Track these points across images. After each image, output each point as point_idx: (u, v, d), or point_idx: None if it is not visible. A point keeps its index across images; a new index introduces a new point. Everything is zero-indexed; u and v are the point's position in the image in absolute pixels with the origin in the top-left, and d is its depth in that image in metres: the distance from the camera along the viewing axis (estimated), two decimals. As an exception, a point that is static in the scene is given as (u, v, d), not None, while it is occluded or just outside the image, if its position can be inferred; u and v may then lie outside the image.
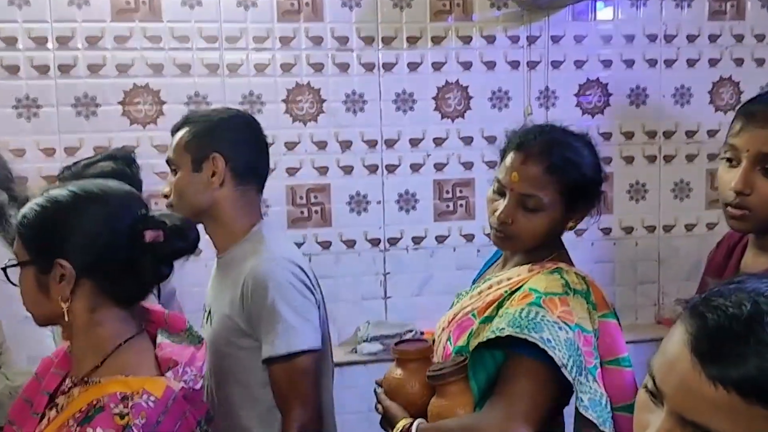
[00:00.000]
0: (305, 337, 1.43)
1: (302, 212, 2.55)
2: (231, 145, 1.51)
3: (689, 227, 2.79)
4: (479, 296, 1.32)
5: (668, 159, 2.76)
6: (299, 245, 2.53)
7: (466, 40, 2.58)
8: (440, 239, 2.63)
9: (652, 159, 2.75)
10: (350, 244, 2.58)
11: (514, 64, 2.62)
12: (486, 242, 2.61)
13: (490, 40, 2.59)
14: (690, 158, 2.77)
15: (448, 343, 1.30)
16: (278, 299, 1.41)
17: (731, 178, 1.20)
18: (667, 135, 2.76)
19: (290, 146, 2.52)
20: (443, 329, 1.35)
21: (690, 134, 2.76)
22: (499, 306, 1.24)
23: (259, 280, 1.42)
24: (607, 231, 2.74)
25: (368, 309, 2.59)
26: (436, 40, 2.57)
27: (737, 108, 1.27)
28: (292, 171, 2.53)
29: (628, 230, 2.77)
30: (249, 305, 1.44)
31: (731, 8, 2.74)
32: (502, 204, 1.28)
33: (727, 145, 1.23)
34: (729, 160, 1.22)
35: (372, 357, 2.42)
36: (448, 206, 2.63)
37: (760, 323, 0.59)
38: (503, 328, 1.15)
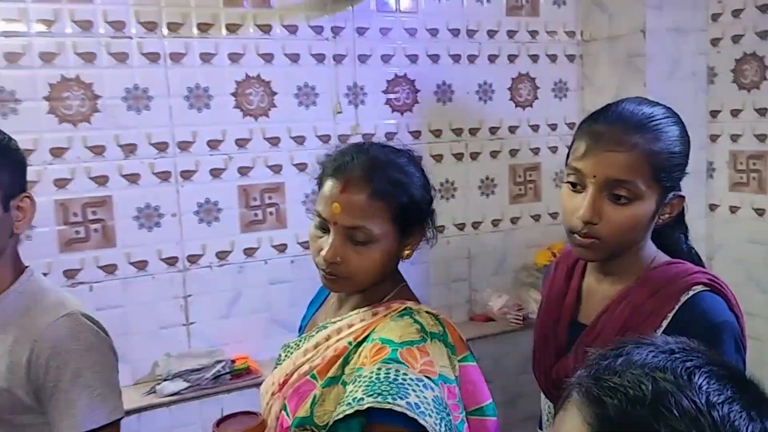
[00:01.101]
0: (114, 406, 1.16)
1: (77, 232, 2.11)
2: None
3: (495, 222, 2.82)
4: (316, 351, 1.09)
5: (474, 156, 2.75)
6: (75, 272, 2.10)
7: (266, 29, 2.31)
8: (249, 252, 2.35)
9: (459, 157, 2.72)
10: (141, 265, 2.20)
11: (320, 57, 2.41)
12: (300, 252, 2.39)
13: (292, 30, 2.35)
14: (494, 155, 2.79)
15: (285, 413, 1.06)
16: (82, 366, 1.14)
17: (577, 205, 1.09)
18: (473, 132, 2.74)
19: (58, 153, 2.07)
20: (273, 394, 1.11)
21: (493, 131, 2.78)
22: (345, 362, 1.03)
23: (56, 343, 1.13)
24: (421, 231, 2.67)
25: (168, 339, 2.24)
26: (232, 28, 2.26)
27: (579, 125, 1.18)
28: (60, 183, 2.07)
29: (440, 229, 2.71)
30: (39, 374, 1.13)
31: (527, 4, 2.79)
32: (327, 241, 1.08)
33: (570, 168, 1.13)
34: (573, 184, 1.12)
35: (175, 398, 2.08)
36: (256, 215, 2.36)
37: (665, 405, 0.54)
38: (362, 399, 0.94)
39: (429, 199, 1.19)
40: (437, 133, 2.67)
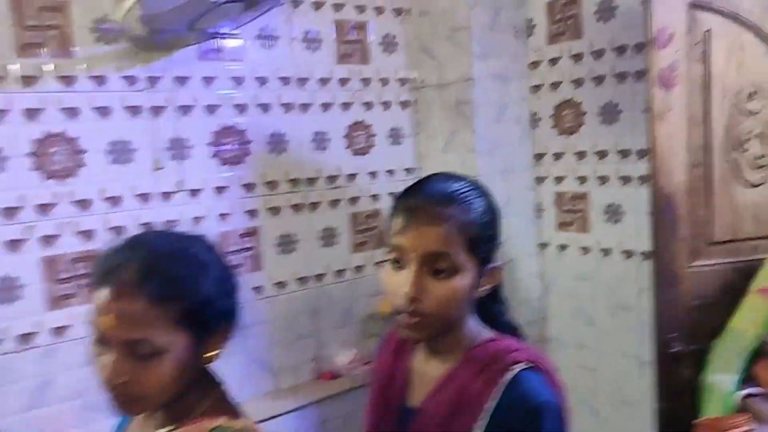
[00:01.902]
0: None
1: None
2: None
3: (339, 273, 2.74)
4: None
5: (313, 206, 2.66)
6: None
7: (69, 80, 2.07)
8: (59, 332, 2.07)
9: (297, 208, 2.61)
10: None
11: (134, 110, 2.20)
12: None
13: (100, 81, 2.13)
14: (334, 204, 2.71)
15: None
16: None
17: (400, 283, 1.05)
18: (311, 182, 2.65)
19: None
20: None
21: (332, 179, 2.71)
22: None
23: None
24: (259, 289, 2.52)
25: (-42, 444, 1.90)
26: (28, 81, 2.00)
27: (394, 202, 1.13)
28: None
29: (281, 285, 2.58)
30: None
31: (357, 51, 2.76)
32: (108, 360, 0.92)
33: (390, 246, 1.09)
34: (395, 261, 1.08)
35: None
36: (66, 289, 2.08)
37: None
38: None
39: (229, 290, 1.07)
40: (273, 185, 2.54)
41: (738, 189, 1.83)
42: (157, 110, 2.24)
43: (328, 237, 2.71)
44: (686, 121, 1.79)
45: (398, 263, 1.07)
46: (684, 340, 1.78)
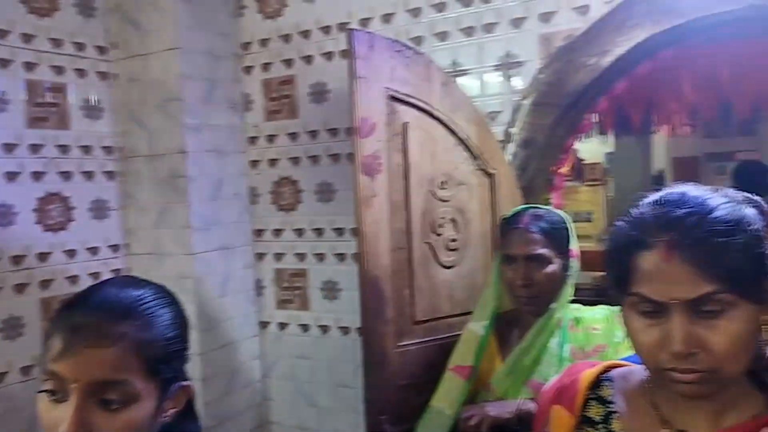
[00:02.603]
0: None
1: None
2: None
3: (26, 371, 2.32)
4: None
5: (-9, 293, 2.24)
6: None
7: None
8: None
9: (-28, 296, 2.18)
10: None
11: None
12: None
13: None
14: (19, 288, 2.32)
15: None
16: None
17: (59, 420, 0.85)
18: (-12, 264, 2.23)
19: None
20: None
21: (17, 260, 2.32)
22: None
23: None
24: None
25: None
26: None
27: (53, 318, 0.93)
28: None
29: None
30: None
31: (54, 115, 2.45)
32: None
33: (46, 373, 0.88)
34: (52, 392, 0.87)
35: None
36: None
37: None
38: None
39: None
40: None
41: (435, 270, 1.95)
42: None
43: (12, 328, 2.29)
44: (389, 206, 1.87)
45: (56, 394, 0.87)
46: (394, 420, 1.81)
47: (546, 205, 2.27)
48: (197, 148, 2.57)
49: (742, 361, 0.83)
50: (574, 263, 1.71)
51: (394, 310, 1.86)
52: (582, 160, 8.33)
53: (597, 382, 1.00)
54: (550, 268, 1.67)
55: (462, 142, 2.07)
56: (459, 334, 1.96)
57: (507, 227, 1.74)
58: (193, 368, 2.47)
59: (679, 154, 7.15)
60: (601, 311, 1.74)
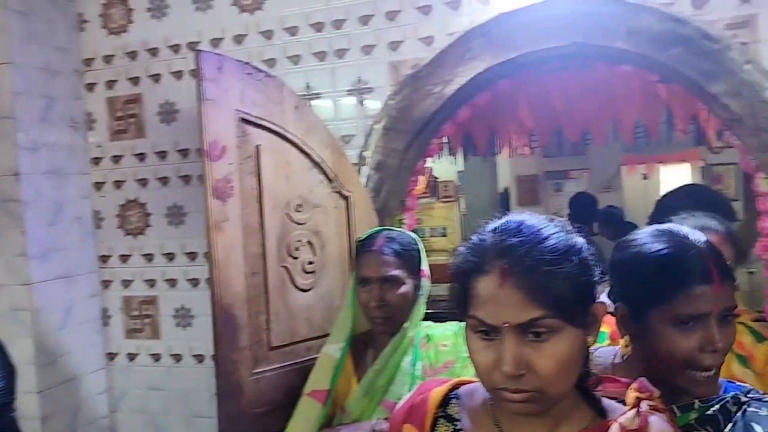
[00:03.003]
0: None
1: None
2: None
3: None
4: None
5: None
6: None
7: None
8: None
9: None
10: None
11: None
12: None
13: None
14: None
15: None
16: None
17: None
18: None
19: None
20: None
21: None
22: None
23: None
24: None
25: None
26: None
27: None
28: None
29: None
30: None
31: None
32: None
33: None
34: None
35: None
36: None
37: None
38: None
39: None
40: None
41: (292, 294, 1.94)
42: None
43: None
44: (243, 230, 1.84)
45: None
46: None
47: (399, 226, 2.35)
48: (33, 170, 2.38)
49: (567, 382, 0.88)
50: (425, 283, 1.78)
51: (249, 337, 1.82)
52: (437, 178, 8.71)
53: (446, 400, 1.03)
54: (403, 289, 1.73)
55: (317, 164, 2.09)
56: (317, 356, 1.97)
57: (361, 250, 1.77)
58: (31, 407, 2.27)
59: (522, 173, 7.70)
60: (450, 327, 1.82)
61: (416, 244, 1.81)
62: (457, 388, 1.06)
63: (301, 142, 2.04)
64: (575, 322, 0.87)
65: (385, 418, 1.67)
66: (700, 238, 1.13)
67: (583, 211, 4.43)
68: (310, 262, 2.02)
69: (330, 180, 2.12)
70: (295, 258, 1.97)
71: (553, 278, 0.86)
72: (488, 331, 0.88)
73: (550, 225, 0.93)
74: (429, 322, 1.83)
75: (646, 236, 1.16)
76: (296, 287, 1.96)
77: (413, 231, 2.29)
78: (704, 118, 2.48)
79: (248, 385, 1.81)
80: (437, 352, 1.75)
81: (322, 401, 1.73)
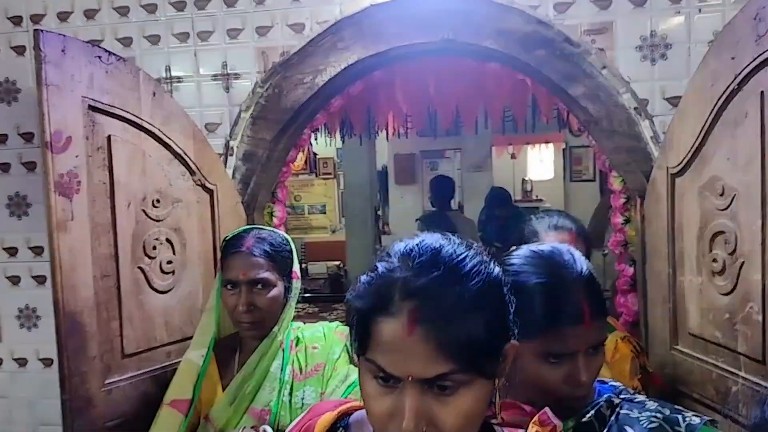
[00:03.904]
0: None
1: None
2: None
3: None
4: None
5: None
6: None
7: None
8: None
9: None
10: None
11: None
12: None
13: None
14: None
15: None
16: None
17: None
18: None
19: None
20: None
21: None
22: None
23: None
24: None
25: None
26: None
27: None
28: None
29: None
30: None
31: None
32: None
33: None
34: None
35: None
36: None
37: None
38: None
39: None
40: None
41: (149, 296, 1.82)
42: None
43: None
44: (91, 230, 1.68)
45: None
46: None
47: (270, 219, 2.27)
48: None
49: (471, 431, 0.80)
50: (296, 285, 1.72)
51: (99, 346, 1.69)
52: (316, 154, 8.61)
53: (333, 430, 0.95)
54: (274, 292, 1.65)
55: (177, 156, 1.95)
56: (178, 362, 1.87)
57: (229, 250, 1.67)
58: None
59: (399, 152, 7.81)
60: (320, 328, 1.78)
61: (288, 244, 1.74)
62: (350, 413, 0.97)
63: (160, 132, 1.89)
64: (485, 374, 0.78)
65: (252, 427, 1.61)
66: (580, 268, 1.11)
67: (442, 192, 4.77)
68: (169, 262, 1.89)
69: (192, 172, 1.99)
70: (153, 258, 1.84)
71: (470, 327, 0.75)
72: (387, 379, 0.77)
73: (469, 254, 0.80)
74: (299, 323, 1.78)
75: (524, 262, 1.13)
76: (153, 289, 1.84)
77: (286, 231, 2.22)
78: (566, 113, 2.58)
79: (99, 398, 1.67)
80: (307, 356, 1.71)
81: (183, 412, 1.64)
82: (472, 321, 0.75)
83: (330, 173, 9.92)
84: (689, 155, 1.77)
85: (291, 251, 1.73)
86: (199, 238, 2.00)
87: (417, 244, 0.81)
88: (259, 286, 1.63)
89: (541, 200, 9.06)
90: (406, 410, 0.75)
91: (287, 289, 1.70)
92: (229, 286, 1.65)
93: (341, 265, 7.46)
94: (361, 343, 0.79)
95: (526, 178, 8.72)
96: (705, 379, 1.72)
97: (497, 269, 0.82)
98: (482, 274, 0.78)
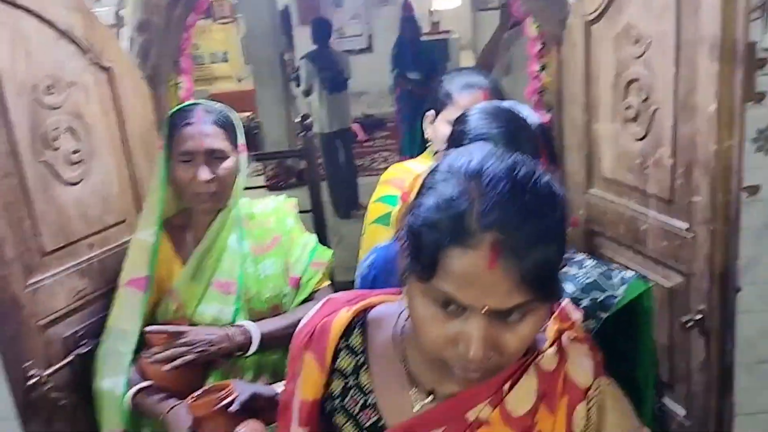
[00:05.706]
0: None
1: None
2: None
3: None
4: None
5: None
6: None
7: None
8: None
9: None
10: None
11: None
12: None
13: None
14: None
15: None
16: None
17: None
18: None
19: None
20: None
21: None
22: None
23: None
24: None
25: None
26: None
27: None
28: None
29: None
30: None
31: None
32: None
33: None
34: None
35: None
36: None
37: None
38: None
39: None
40: None
41: (59, 190, 1.71)
42: None
43: None
44: (-19, 127, 1.53)
45: None
46: (44, 363, 1.64)
47: (176, 91, 2.14)
48: None
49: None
50: (244, 158, 1.70)
51: (14, 248, 1.60)
52: (210, -4, 7.98)
53: (350, 329, 0.93)
54: (229, 163, 1.65)
55: (64, 33, 1.76)
56: (103, 253, 1.83)
57: (179, 123, 1.62)
58: None
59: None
60: (270, 203, 1.81)
61: (232, 117, 1.69)
62: (367, 310, 0.95)
63: (40, 8, 1.68)
64: (550, 300, 0.76)
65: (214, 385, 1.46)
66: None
67: (321, 32, 5.85)
68: (75, 151, 1.77)
69: (84, 51, 1.81)
70: (56, 149, 1.71)
71: (550, 256, 0.71)
72: (454, 307, 0.73)
73: (539, 172, 0.74)
74: (246, 199, 1.80)
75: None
76: (63, 182, 1.73)
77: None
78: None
79: (25, 299, 1.62)
80: (262, 231, 1.74)
81: (142, 288, 1.65)
82: (552, 250, 0.72)
83: (228, 16, 9.29)
84: (605, 2, 1.75)
85: (237, 123, 1.70)
86: (104, 122, 1.86)
87: (484, 163, 0.73)
88: (215, 156, 1.62)
89: (448, 32, 8.92)
90: (473, 338, 0.72)
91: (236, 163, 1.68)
92: (184, 159, 1.61)
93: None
94: (426, 269, 0.72)
95: (432, 9, 8.50)
96: (617, 219, 1.85)
97: (556, 186, 0.76)
98: (557, 197, 0.74)
